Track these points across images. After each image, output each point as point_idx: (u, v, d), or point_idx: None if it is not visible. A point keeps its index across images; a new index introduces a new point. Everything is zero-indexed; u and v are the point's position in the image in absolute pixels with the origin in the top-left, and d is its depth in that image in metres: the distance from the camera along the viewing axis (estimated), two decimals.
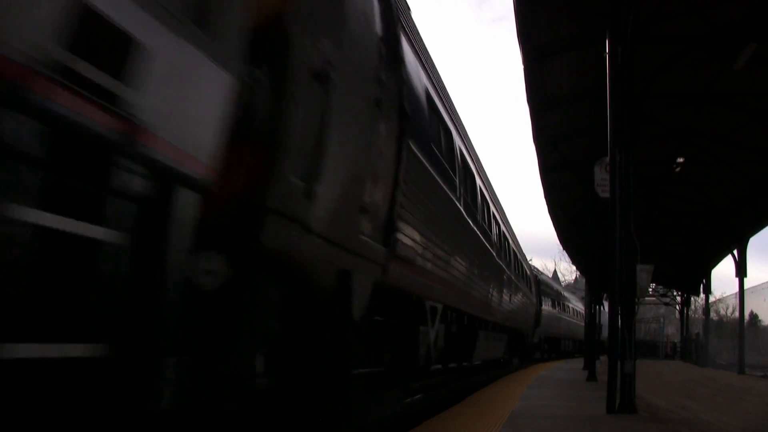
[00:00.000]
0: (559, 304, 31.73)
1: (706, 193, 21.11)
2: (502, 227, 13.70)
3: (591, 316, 19.76)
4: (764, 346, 28.23)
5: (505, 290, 13.63)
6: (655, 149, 16.53)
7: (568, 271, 65.40)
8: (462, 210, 8.25)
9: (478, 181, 10.25)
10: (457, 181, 8.01)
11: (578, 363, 24.71)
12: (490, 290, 11.51)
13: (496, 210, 12.69)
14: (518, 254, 17.75)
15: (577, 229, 21.19)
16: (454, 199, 7.64)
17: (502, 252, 13.21)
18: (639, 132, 9.89)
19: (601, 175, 11.26)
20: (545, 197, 20.26)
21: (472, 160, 9.86)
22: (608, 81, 8.94)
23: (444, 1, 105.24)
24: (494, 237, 11.90)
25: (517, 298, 16.42)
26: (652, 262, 10.25)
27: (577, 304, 38.03)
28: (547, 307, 27.06)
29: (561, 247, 37.14)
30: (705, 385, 16.32)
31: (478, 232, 9.67)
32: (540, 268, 37.59)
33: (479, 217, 10.00)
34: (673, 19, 10.96)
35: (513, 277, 15.49)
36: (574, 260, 33.67)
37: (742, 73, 11.90)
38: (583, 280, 27.77)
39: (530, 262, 25.23)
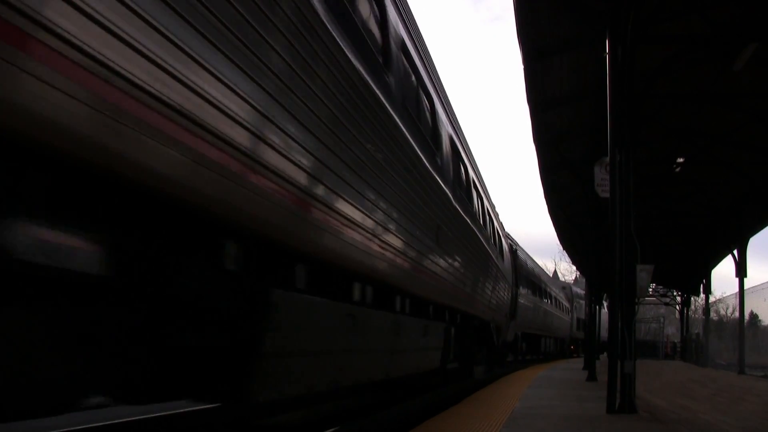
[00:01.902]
0: (541, 290, 25.82)
1: (706, 193, 21.11)
2: (453, 136, 8.85)
3: (591, 315, 19.88)
4: (764, 346, 28.21)
5: (455, 241, 8.34)
6: (655, 149, 16.53)
7: (568, 271, 65.47)
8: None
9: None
10: None
11: (577, 363, 24.71)
12: (412, 228, 6.15)
13: (441, 104, 8.06)
14: (485, 198, 12.24)
15: (577, 229, 21.18)
16: None
17: (447, 164, 8.01)
18: (639, 132, 9.88)
19: (601, 175, 11.24)
20: (545, 197, 20.25)
21: None
22: (608, 81, 8.93)
23: (440, 1, 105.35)
24: (435, 137, 7.39)
25: (481, 267, 11.00)
26: (652, 262, 10.25)
27: (559, 294, 33.34)
28: (527, 292, 21.53)
29: (561, 247, 37.25)
30: (705, 385, 16.31)
31: (379, 94, 4.95)
32: None
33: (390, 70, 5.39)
34: (673, 19, 10.97)
35: (470, 223, 9.60)
36: (574, 260, 33.64)
37: (742, 73, 11.91)
38: (583, 280, 27.79)
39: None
